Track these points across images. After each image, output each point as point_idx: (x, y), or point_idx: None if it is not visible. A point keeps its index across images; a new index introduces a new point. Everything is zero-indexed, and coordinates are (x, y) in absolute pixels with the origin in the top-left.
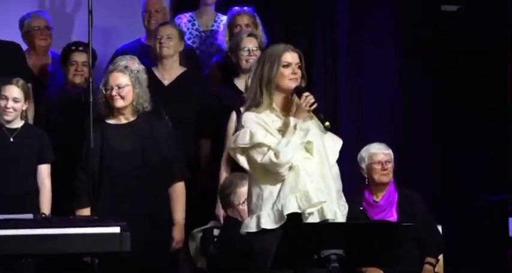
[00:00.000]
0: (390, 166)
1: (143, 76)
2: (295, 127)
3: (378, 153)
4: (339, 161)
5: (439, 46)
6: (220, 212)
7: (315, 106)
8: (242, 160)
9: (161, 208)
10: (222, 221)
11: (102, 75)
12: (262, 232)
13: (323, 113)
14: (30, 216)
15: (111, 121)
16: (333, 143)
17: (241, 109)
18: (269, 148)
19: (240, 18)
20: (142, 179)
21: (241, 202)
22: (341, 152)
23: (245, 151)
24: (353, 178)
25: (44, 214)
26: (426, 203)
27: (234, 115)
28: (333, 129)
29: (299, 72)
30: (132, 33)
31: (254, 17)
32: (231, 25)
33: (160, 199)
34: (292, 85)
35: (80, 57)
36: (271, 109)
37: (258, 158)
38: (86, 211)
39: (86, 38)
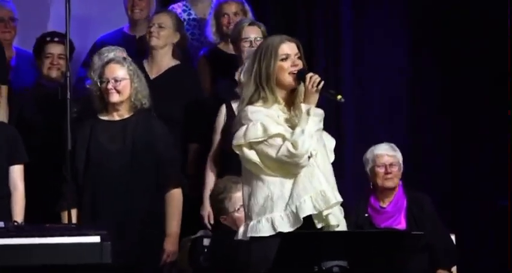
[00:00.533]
0: (395, 169)
1: None
2: (308, 113)
3: (382, 155)
4: (341, 163)
5: (444, 43)
6: (205, 212)
7: (322, 84)
8: (252, 154)
9: (151, 210)
10: (207, 223)
11: (80, 69)
12: (276, 236)
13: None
14: (1, 224)
15: (103, 117)
16: (329, 143)
17: (233, 103)
18: (284, 138)
19: (227, 7)
20: (130, 180)
21: (236, 208)
22: (343, 153)
23: (254, 146)
24: (356, 181)
25: (16, 221)
26: (437, 208)
27: (223, 108)
28: (335, 129)
29: (300, 62)
30: (112, 22)
31: (242, 3)
32: (218, 14)
33: (149, 202)
34: (293, 81)
35: (55, 49)
36: (278, 103)
37: (273, 152)
38: (73, 213)
39: (62, 28)
